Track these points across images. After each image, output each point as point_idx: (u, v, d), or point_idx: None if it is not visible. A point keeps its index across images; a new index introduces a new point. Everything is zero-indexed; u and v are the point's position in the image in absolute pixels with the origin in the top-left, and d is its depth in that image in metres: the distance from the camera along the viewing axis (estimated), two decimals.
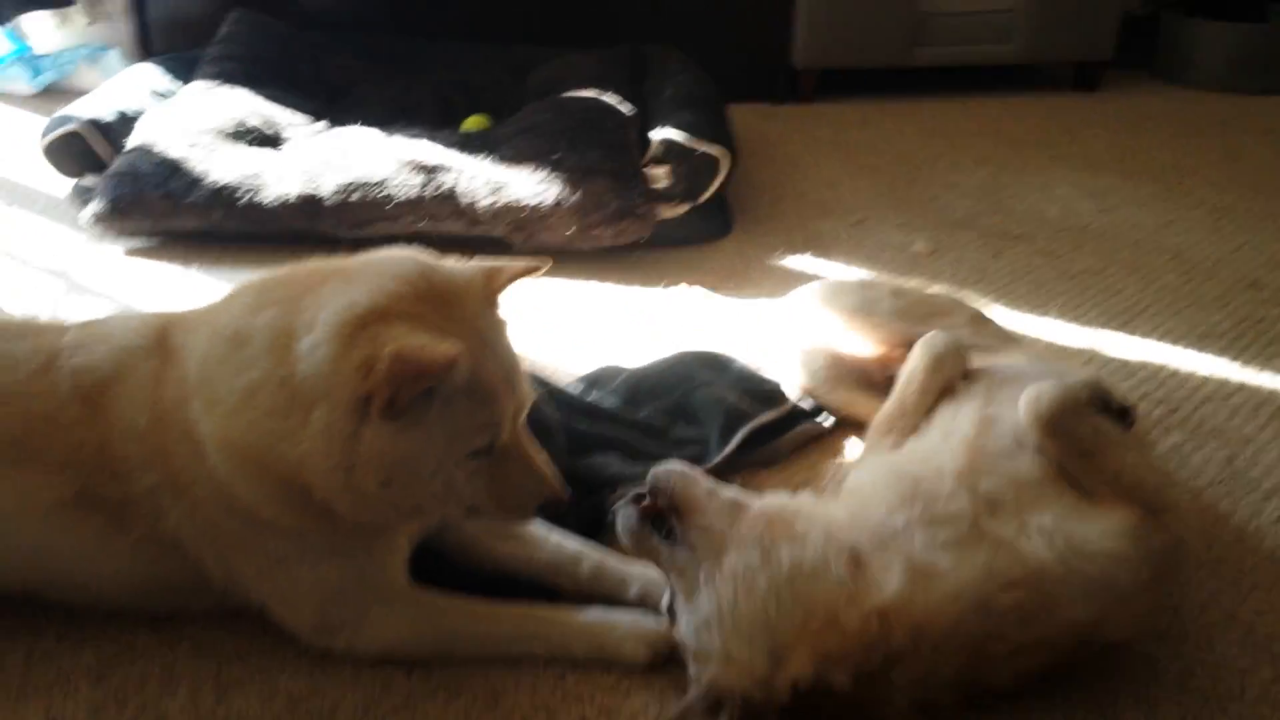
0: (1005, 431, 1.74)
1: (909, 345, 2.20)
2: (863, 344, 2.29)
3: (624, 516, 1.73)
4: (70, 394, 1.74)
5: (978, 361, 2.07)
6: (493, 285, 1.70)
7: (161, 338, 1.78)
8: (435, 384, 1.52)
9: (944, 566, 1.57)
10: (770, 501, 1.72)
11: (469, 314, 1.62)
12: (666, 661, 1.76)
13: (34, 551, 1.77)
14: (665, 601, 1.73)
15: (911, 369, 2.03)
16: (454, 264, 1.71)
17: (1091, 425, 1.66)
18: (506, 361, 1.66)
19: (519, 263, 1.75)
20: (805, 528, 1.63)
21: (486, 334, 1.64)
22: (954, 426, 1.84)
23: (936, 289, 2.44)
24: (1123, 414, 1.71)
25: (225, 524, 1.71)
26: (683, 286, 3.04)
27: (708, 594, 1.60)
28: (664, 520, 1.70)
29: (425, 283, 1.61)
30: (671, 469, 1.74)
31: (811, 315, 2.46)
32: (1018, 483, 1.65)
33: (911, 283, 2.45)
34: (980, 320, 2.33)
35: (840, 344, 2.33)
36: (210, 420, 1.64)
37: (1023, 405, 1.69)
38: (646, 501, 1.73)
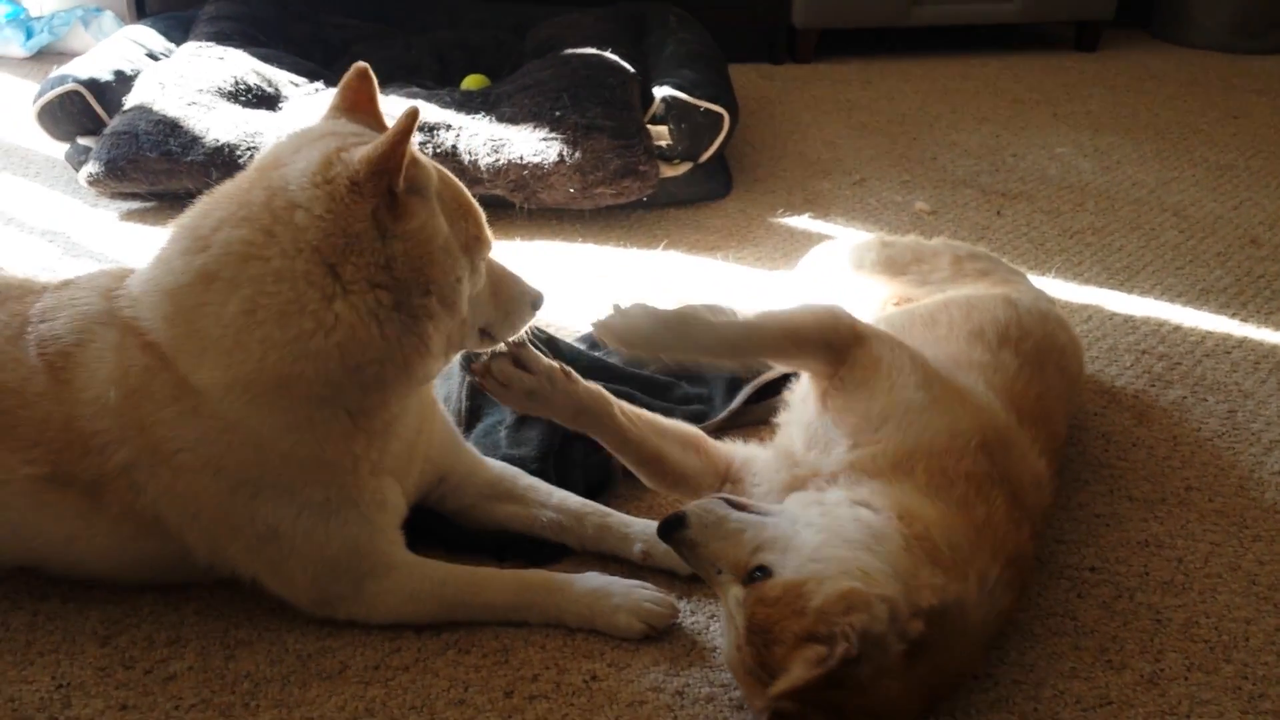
0: None
1: (903, 301, 2.21)
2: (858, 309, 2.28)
3: (701, 505, 1.68)
4: (37, 364, 1.69)
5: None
6: (366, 108, 1.76)
7: (114, 308, 1.70)
8: (414, 172, 1.58)
9: None
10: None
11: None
12: (663, 634, 1.77)
13: (17, 529, 1.74)
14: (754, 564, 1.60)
15: None
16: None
17: None
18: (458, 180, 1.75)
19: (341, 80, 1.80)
20: None
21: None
22: None
23: (937, 240, 2.43)
24: None
25: (212, 492, 1.66)
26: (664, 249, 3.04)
27: (809, 528, 1.59)
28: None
29: (341, 127, 1.70)
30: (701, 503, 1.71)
31: (814, 280, 2.47)
32: None
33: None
34: (962, 261, 2.32)
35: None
36: (208, 369, 1.60)
37: None
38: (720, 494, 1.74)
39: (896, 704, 1.50)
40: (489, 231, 1.74)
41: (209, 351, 1.60)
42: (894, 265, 2.32)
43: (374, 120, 1.76)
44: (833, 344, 1.84)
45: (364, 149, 1.56)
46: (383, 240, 1.58)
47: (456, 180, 1.73)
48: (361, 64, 1.78)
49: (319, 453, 1.66)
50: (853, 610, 1.45)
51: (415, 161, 1.59)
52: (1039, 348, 1.99)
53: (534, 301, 1.84)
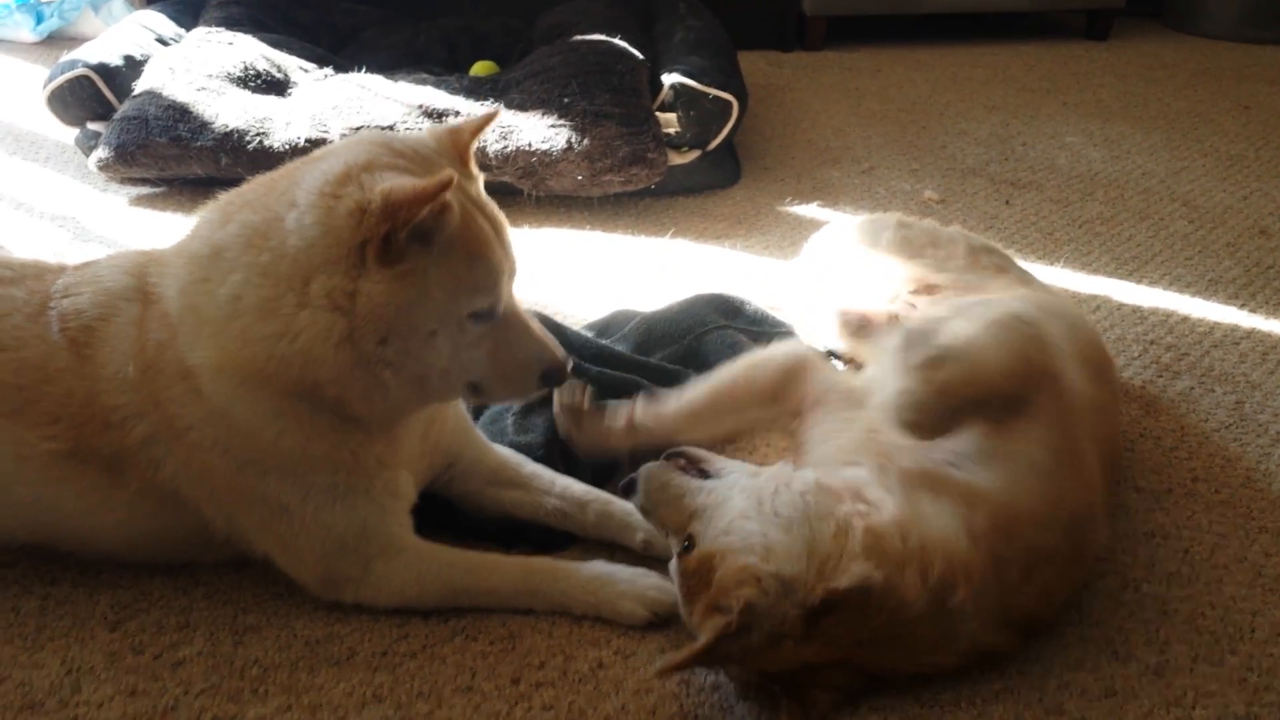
0: None
1: (925, 287, 2.20)
2: (869, 289, 2.28)
3: (650, 468, 1.74)
4: (59, 340, 1.70)
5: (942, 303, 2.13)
6: (461, 141, 1.69)
7: (141, 280, 1.73)
8: (431, 221, 1.51)
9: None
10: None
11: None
12: (666, 622, 1.77)
13: (35, 504, 1.75)
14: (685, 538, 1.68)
15: None
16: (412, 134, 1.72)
17: None
18: (494, 218, 1.66)
19: (476, 115, 1.74)
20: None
21: (468, 190, 1.63)
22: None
23: (953, 228, 2.42)
24: None
25: (222, 469, 1.68)
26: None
27: (740, 496, 1.63)
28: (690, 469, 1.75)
29: (400, 144, 1.63)
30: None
31: (824, 259, 2.47)
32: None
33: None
34: (978, 253, 2.30)
35: (846, 296, 2.33)
36: (201, 348, 1.61)
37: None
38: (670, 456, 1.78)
39: (805, 658, 1.54)
40: (503, 288, 1.64)
41: (203, 330, 1.62)
42: (910, 246, 2.31)
43: (458, 152, 1.68)
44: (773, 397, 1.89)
45: (391, 183, 1.50)
46: (359, 271, 1.52)
47: (487, 230, 1.61)
48: (497, 107, 1.77)
49: (306, 446, 1.66)
50: (743, 585, 1.51)
51: (445, 209, 1.51)
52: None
53: (547, 371, 1.69)
